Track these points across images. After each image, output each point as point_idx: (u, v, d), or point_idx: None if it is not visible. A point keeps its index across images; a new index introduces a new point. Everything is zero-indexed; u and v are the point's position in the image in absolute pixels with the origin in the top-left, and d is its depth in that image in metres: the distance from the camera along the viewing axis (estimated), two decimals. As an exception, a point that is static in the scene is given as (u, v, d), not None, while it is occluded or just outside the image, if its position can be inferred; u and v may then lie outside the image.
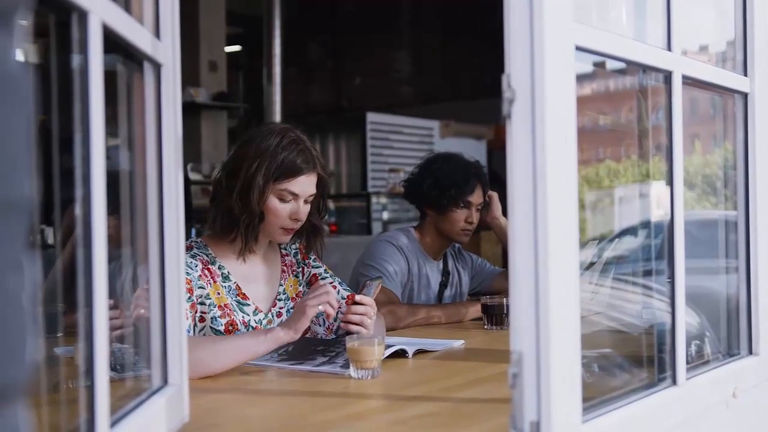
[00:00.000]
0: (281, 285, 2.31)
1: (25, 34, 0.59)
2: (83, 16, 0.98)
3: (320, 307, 1.96)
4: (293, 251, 2.39)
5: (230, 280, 2.19)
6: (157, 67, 1.33)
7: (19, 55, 0.57)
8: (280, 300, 2.30)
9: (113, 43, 1.10)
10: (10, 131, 0.53)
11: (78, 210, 1.00)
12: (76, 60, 1.00)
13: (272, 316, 2.26)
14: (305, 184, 2.17)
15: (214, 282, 2.16)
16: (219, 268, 2.19)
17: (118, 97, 1.30)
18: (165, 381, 1.35)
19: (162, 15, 1.35)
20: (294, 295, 2.33)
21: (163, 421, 1.29)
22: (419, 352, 2.14)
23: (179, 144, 1.39)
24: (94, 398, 1.00)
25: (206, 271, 2.14)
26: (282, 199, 2.16)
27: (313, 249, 2.35)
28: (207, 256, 2.19)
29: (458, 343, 2.31)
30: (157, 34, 1.33)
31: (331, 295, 1.99)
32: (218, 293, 2.15)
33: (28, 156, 0.56)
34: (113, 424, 1.08)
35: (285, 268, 2.35)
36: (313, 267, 2.39)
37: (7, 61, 0.55)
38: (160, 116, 1.35)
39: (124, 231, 1.34)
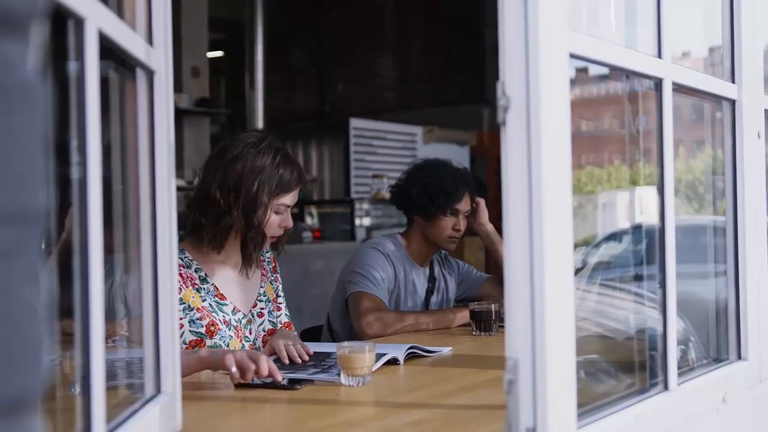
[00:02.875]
0: (262, 287, 2.40)
1: (39, 45, 0.59)
2: (80, 23, 0.98)
3: (233, 369, 1.79)
4: (267, 259, 2.47)
5: (208, 282, 2.25)
6: (150, 74, 1.32)
7: (34, 66, 0.56)
8: (261, 301, 2.38)
9: (106, 49, 1.10)
10: (25, 141, 0.53)
11: (73, 217, 0.99)
12: (71, 66, 1.00)
13: (252, 316, 2.33)
14: (296, 195, 2.30)
15: (187, 286, 2.21)
16: (196, 271, 2.25)
17: (110, 104, 1.30)
18: (158, 389, 1.34)
19: (155, 22, 1.34)
20: (272, 299, 2.42)
21: (157, 429, 1.28)
22: (411, 357, 2.14)
23: (172, 151, 1.38)
24: (90, 407, 0.99)
25: (178, 276, 2.16)
26: (277, 212, 2.26)
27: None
28: (182, 260, 2.23)
29: (447, 350, 2.31)
30: (150, 41, 1.33)
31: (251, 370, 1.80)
32: (193, 296, 2.20)
33: (44, 165, 0.56)
34: (108, 433, 1.07)
35: (264, 271, 2.43)
36: (279, 282, 2.49)
37: (22, 70, 0.54)
38: (153, 123, 1.34)
39: (114, 238, 1.33)
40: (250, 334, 2.31)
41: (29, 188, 0.55)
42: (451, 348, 2.33)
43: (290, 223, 2.30)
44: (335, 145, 8.25)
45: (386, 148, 8.15)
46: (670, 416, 1.49)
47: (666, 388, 1.49)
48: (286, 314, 2.48)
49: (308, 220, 7.43)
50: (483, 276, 3.25)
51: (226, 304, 2.26)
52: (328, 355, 2.16)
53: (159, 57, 1.35)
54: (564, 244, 1.19)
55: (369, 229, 7.32)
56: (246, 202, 2.20)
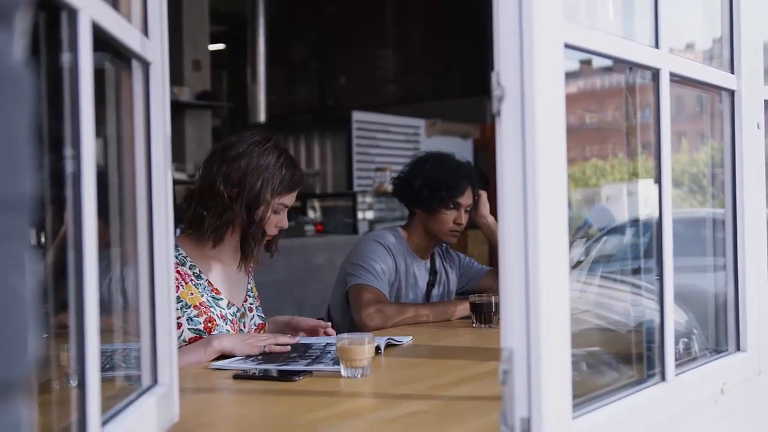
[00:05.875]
0: (249, 283, 2.44)
1: (24, 33, 0.59)
2: (73, 14, 0.98)
3: (266, 348, 2.11)
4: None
5: (202, 278, 2.28)
6: (145, 65, 1.32)
7: (19, 54, 0.56)
8: (250, 296, 2.42)
9: (101, 41, 1.09)
10: (12, 129, 0.53)
11: (68, 211, 0.99)
12: (65, 58, 1.00)
13: (245, 310, 2.38)
14: (294, 197, 2.34)
15: (186, 283, 2.23)
16: (190, 268, 2.27)
17: (105, 96, 1.30)
18: (155, 380, 1.35)
19: (150, 13, 1.34)
20: (256, 296, 2.47)
21: (154, 420, 1.28)
22: (388, 347, 2.18)
23: (168, 143, 1.38)
24: (85, 398, 0.99)
25: (176, 274, 2.19)
26: (275, 212, 2.29)
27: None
28: (176, 258, 2.24)
29: (407, 339, 2.35)
30: (145, 32, 1.33)
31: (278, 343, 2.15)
32: (191, 293, 2.23)
33: (30, 153, 0.57)
34: (104, 423, 1.07)
35: (250, 269, 2.46)
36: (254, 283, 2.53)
37: (7, 58, 0.55)
38: (149, 115, 1.34)
39: (111, 231, 1.33)
40: (244, 327, 2.34)
41: (14, 175, 0.55)
42: (411, 337, 2.36)
43: (285, 224, 2.36)
44: (338, 138, 8.25)
45: (389, 141, 8.15)
46: (667, 407, 1.49)
47: (663, 378, 1.49)
48: (260, 315, 2.49)
49: (310, 214, 7.44)
50: (484, 269, 3.25)
51: (222, 299, 2.29)
52: (309, 346, 2.17)
53: (155, 48, 1.35)
54: (558, 234, 1.19)
55: (371, 223, 7.32)
56: (249, 198, 2.23)
